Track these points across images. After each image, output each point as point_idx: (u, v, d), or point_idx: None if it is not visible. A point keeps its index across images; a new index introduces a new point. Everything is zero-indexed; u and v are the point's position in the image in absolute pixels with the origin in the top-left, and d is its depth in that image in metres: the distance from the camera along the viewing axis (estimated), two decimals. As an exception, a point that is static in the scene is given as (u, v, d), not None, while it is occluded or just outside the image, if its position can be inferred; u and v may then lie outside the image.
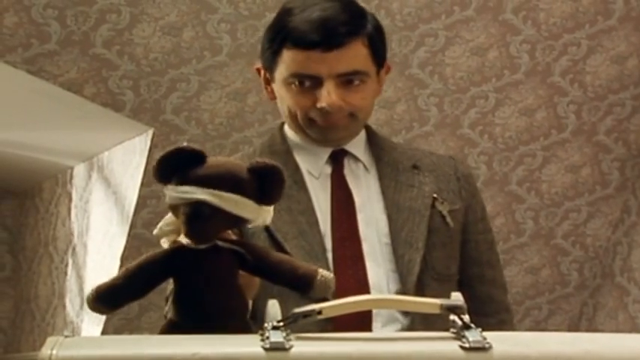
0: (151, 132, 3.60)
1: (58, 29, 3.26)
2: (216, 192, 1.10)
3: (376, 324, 1.53)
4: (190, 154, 1.12)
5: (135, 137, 3.75)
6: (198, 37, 3.41)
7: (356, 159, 1.68)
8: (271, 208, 1.17)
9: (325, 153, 1.67)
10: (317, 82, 1.60)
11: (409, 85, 3.70)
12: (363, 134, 1.71)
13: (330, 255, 1.56)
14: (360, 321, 1.47)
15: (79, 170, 4.37)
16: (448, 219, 1.65)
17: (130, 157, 3.83)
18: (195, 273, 1.13)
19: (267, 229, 1.55)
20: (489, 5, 3.61)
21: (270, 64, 1.65)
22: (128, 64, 3.39)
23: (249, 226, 1.19)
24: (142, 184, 3.71)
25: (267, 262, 1.17)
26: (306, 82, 1.60)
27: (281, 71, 1.63)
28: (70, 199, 4.43)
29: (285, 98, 1.64)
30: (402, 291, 1.55)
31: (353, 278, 1.55)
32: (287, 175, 1.59)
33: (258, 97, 3.51)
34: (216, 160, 1.14)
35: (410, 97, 3.73)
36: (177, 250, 1.14)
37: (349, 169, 1.67)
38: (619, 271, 4.15)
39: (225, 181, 1.11)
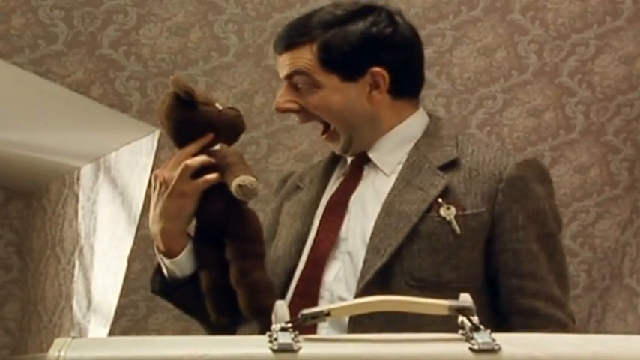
0: (157, 133, 3.60)
1: (65, 30, 3.26)
2: None
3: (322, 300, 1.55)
4: None
5: (142, 138, 3.75)
6: (206, 37, 3.41)
7: (374, 165, 1.65)
8: None
9: (350, 159, 1.70)
10: None
11: (416, 86, 3.69)
12: (395, 134, 1.66)
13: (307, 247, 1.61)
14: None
15: (86, 171, 4.37)
16: (454, 225, 1.54)
17: (136, 158, 3.83)
18: None
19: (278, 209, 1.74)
20: (497, 5, 3.60)
21: None
22: (135, 65, 3.39)
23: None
24: (149, 185, 3.71)
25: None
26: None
27: None
28: (77, 200, 4.43)
29: None
30: (351, 295, 1.54)
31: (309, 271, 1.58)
32: (318, 176, 1.70)
33: (265, 97, 3.51)
34: None
35: (417, 97, 3.72)
36: None
37: (367, 174, 1.66)
38: (628, 272, 4.14)
39: None
